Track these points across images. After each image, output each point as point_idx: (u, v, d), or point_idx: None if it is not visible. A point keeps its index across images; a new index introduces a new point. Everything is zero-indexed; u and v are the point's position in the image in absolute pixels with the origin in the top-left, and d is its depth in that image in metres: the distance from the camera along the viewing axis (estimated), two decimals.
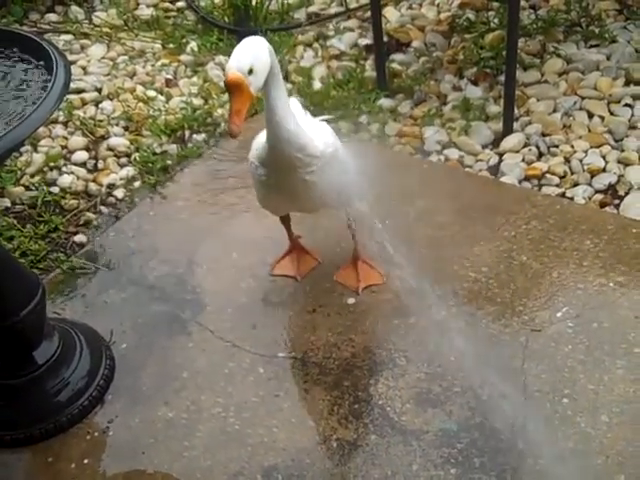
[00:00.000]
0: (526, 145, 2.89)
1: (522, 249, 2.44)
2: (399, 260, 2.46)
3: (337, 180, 2.07)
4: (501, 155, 2.87)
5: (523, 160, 2.83)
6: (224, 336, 2.31)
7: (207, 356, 2.26)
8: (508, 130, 2.92)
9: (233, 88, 1.71)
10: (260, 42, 1.78)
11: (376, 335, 2.28)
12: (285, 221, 2.41)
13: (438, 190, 2.70)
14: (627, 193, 2.65)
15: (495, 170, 2.82)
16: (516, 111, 2.97)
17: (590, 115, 2.98)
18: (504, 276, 2.37)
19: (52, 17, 3.85)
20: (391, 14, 3.64)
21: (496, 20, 3.47)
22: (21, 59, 1.89)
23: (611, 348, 2.11)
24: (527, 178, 2.76)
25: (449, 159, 2.88)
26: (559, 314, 2.23)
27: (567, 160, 2.80)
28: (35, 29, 3.74)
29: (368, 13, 3.67)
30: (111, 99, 3.27)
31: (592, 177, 2.72)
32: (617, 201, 2.63)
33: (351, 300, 2.36)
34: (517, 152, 2.86)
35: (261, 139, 2.04)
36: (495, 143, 2.93)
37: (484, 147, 2.92)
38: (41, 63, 1.86)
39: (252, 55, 1.73)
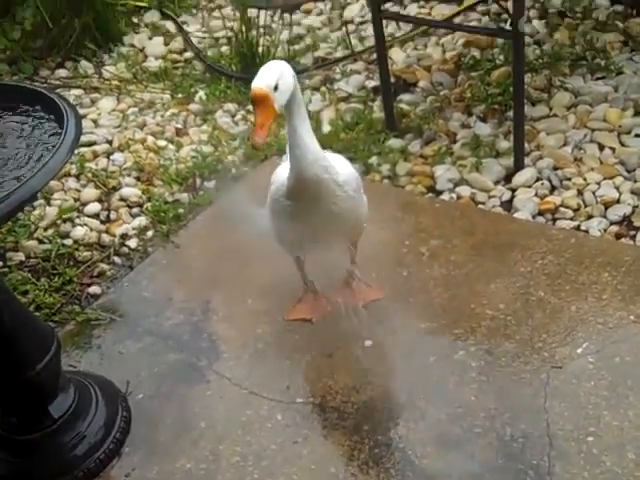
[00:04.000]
0: (538, 179, 2.87)
1: (539, 284, 2.42)
2: (415, 300, 2.44)
3: (358, 211, 2.15)
4: (514, 191, 2.86)
5: (536, 195, 2.81)
6: (241, 383, 2.28)
7: (225, 404, 2.24)
8: (519, 165, 2.91)
9: (259, 101, 1.78)
10: (285, 65, 1.87)
11: (395, 377, 2.25)
12: (299, 264, 2.41)
13: (451, 228, 2.68)
14: None
15: (508, 206, 2.80)
16: (527, 146, 2.97)
17: (601, 147, 2.97)
18: (522, 312, 2.34)
19: (62, 73, 3.90)
20: (397, 55, 3.66)
21: (501, 57, 3.49)
22: (33, 113, 1.91)
23: (634, 382, 2.07)
24: (541, 213, 2.75)
25: (461, 197, 2.87)
26: (579, 350, 2.20)
27: (580, 193, 2.79)
28: (46, 85, 3.78)
29: (374, 55, 3.69)
30: (122, 150, 3.30)
31: (606, 209, 2.70)
32: (633, 232, 2.61)
33: (368, 342, 2.34)
34: (529, 187, 2.85)
35: (281, 175, 2.10)
36: (507, 179, 2.92)
37: (496, 183, 2.91)
38: (52, 117, 1.88)
39: (278, 73, 1.81)
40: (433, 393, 2.16)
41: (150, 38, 4.09)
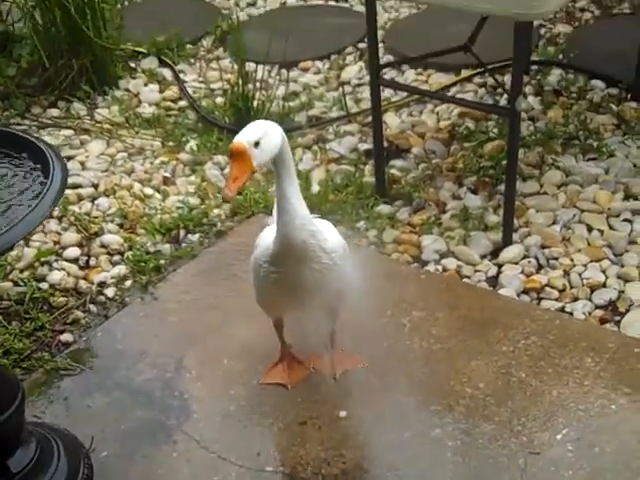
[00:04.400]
0: (525, 257, 2.85)
1: (521, 365, 2.37)
2: (393, 373, 2.39)
3: (342, 281, 2.10)
4: (500, 266, 2.83)
5: (522, 272, 2.78)
6: (210, 446, 2.21)
7: (191, 468, 2.17)
8: (507, 241, 2.88)
9: (236, 155, 1.78)
10: (275, 126, 1.86)
11: (368, 450, 2.19)
12: (279, 327, 2.36)
13: (435, 301, 2.64)
14: (628, 310, 2.59)
15: (494, 282, 2.77)
16: (515, 222, 2.95)
17: (589, 228, 2.95)
18: (502, 393, 2.29)
19: (54, 112, 3.86)
20: (391, 120, 3.66)
21: (495, 130, 3.49)
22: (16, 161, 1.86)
23: (613, 476, 2.02)
24: (526, 291, 2.71)
25: (447, 269, 2.83)
26: (559, 436, 2.15)
27: (566, 273, 2.76)
28: (36, 123, 3.75)
29: (369, 118, 3.69)
30: (107, 195, 3.25)
31: (592, 292, 2.67)
32: (618, 317, 2.57)
33: (343, 413, 2.28)
34: (516, 264, 2.82)
35: (265, 238, 2.07)
36: (494, 254, 2.89)
37: (482, 257, 2.88)
38: (38, 166, 1.84)
39: (262, 131, 1.82)
40: (406, 470, 2.10)
41: (146, 84, 4.06)
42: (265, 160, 1.83)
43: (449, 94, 3.83)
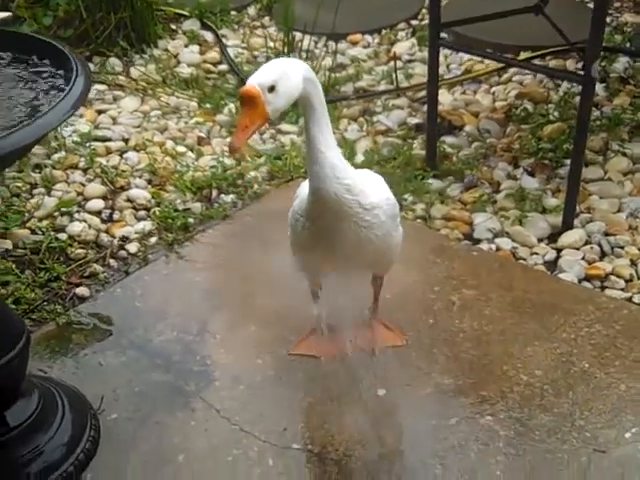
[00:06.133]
0: (587, 243, 2.60)
1: (583, 354, 2.12)
2: (440, 353, 2.14)
3: (389, 242, 1.85)
4: (559, 250, 2.58)
5: (583, 258, 2.53)
6: (231, 417, 1.98)
7: (209, 438, 1.93)
8: (568, 225, 2.63)
9: (246, 100, 1.54)
10: (298, 64, 1.61)
11: (409, 435, 1.95)
12: (315, 293, 2.12)
13: (488, 280, 2.40)
14: None
15: (552, 266, 2.52)
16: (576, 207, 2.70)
17: None
18: (562, 383, 2.04)
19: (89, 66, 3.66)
20: (444, 97, 3.41)
21: (556, 113, 3.25)
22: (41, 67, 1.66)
23: None
24: (588, 278, 2.46)
25: (500, 249, 2.59)
26: (628, 434, 1.89)
27: (633, 263, 2.50)
28: None
29: (419, 94, 3.47)
30: (137, 151, 3.04)
31: None
32: None
33: (382, 391, 2.04)
34: (577, 249, 2.57)
35: (306, 188, 1.79)
36: (552, 238, 2.64)
37: (540, 240, 2.63)
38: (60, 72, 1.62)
39: (280, 73, 1.56)
40: (452, 459, 1.85)
41: (186, 45, 3.87)
42: (281, 106, 1.57)
43: (505, 76, 3.60)
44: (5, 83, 1.62)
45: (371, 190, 1.81)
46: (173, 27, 4.04)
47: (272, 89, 1.54)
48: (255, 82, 1.54)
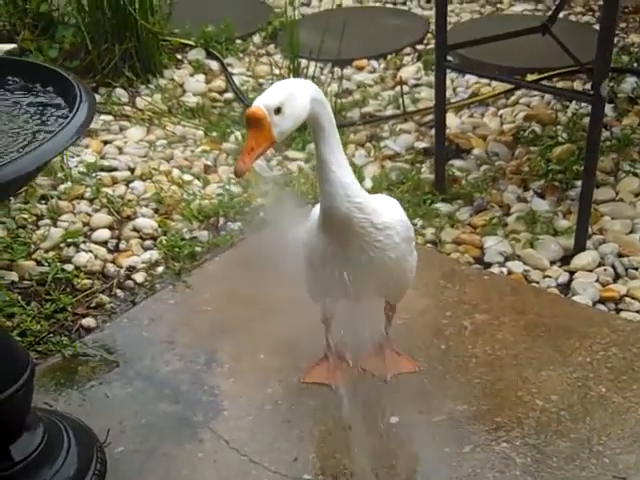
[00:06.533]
0: (600, 264, 2.55)
1: (600, 379, 2.07)
2: (452, 378, 2.10)
3: (403, 265, 1.84)
4: (572, 273, 2.54)
5: (597, 280, 2.49)
6: (240, 448, 1.94)
7: (218, 470, 1.89)
8: (581, 247, 2.59)
9: (252, 123, 1.51)
10: (305, 85, 1.57)
11: (423, 464, 1.90)
12: (327, 319, 2.09)
13: (500, 304, 2.36)
14: None
15: (565, 289, 2.48)
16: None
17: None
18: (579, 408, 1.99)
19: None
20: (451, 121, 3.39)
21: (564, 135, 3.22)
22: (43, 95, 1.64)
23: None
24: (602, 300, 2.42)
25: (512, 272, 2.55)
26: None
27: None
28: None
29: (426, 118, 3.45)
30: (144, 180, 3.02)
31: None
32: None
33: (394, 419, 2.00)
34: (590, 271, 2.53)
35: (318, 210, 1.78)
36: (564, 260, 2.60)
37: (552, 263, 2.59)
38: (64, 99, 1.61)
39: (286, 94, 1.53)
40: None
41: (192, 75, 3.86)
42: (288, 129, 1.54)
43: (512, 98, 3.58)
44: (9, 110, 1.60)
45: (384, 210, 1.78)
46: (179, 57, 4.04)
47: (278, 111, 1.52)
48: (261, 104, 1.52)
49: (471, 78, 3.74)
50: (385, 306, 2.10)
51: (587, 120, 2.97)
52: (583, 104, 3.31)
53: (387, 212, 1.79)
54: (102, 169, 3.07)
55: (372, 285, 1.87)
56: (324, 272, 1.84)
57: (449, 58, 2.90)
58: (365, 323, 2.15)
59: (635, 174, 2.98)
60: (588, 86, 3.28)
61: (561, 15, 3.12)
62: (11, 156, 1.35)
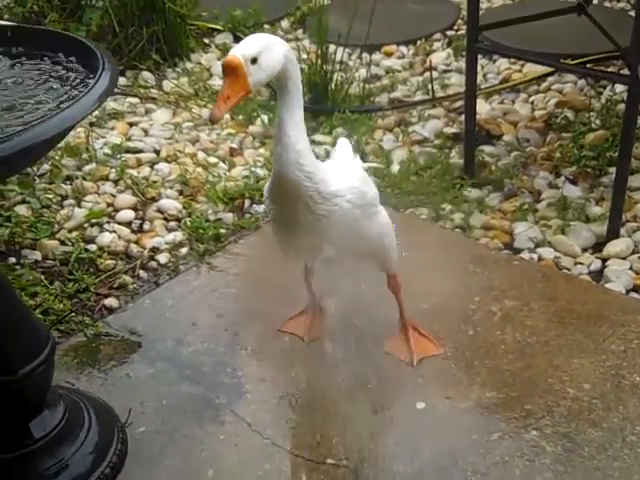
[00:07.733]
0: (634, 252, 2.49)
1: (634, 367, 2.01)
2: (481, 364, 2.05)
3: (364, 231, 1.82)
4: (604, 260, 2.47)
5: (631, 268, 2.42)
6: (263, 431, 1.90)
7: (240, 453, 1.85)
8: (614, 234, 2.53)
9: (229, 71, 1.53)
10: (280, 42, 1.60)
11: (449, 451, 1.84)
12: (307, 276, 2.14)
13: (530, 291, 2.30)
14: None
15: (598, 276, 2.41)
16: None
17: None
18: (612, 397, 1.93)
19: (121, 80, 3.64)
20: (482, 107, 3.32)
21: (597, 121, 3.14)
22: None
23: None
24: (635, 288, 2.35)
25: (543, 258, 2.49)
26: None
27: None
28: None
29: (455, 103, 3.39)
30: (169, 162, 2.99)
31: None
32: None
33: (421, 404, 1.95)
34: (624, 259, 2.46)
35: None
36: (596, 247, 2.54)
37: (584, 250, 2.53)
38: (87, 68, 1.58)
39: (263, 46, 1.55)
40: (495, 476, 1.75)
41: (219, 58, 3.83)
42: (262, 79, 1.56)
43: (544, 85, 3.51)
44: (32, 79, 1.58)
45: (334, 178, 1.75)
46: (206, 41, 4.02)
47: (255, 61, 1.53)
48: (238, 53, 1.53)
49: (502, 64, 3.68)
50: (387, 281, 2.06)
51: (621, 107, 2.91)
52: (617, 90, 3.24)
53: (337, 180, 1.76)
54: (127, 151, 3.05)
55: (332, 248, 1.85)
56: (278, 232, 1.86)
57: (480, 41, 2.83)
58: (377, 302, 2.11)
59: None
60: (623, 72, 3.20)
61: (595, 1, 3.06)
62: (32, 123, 1.32)
